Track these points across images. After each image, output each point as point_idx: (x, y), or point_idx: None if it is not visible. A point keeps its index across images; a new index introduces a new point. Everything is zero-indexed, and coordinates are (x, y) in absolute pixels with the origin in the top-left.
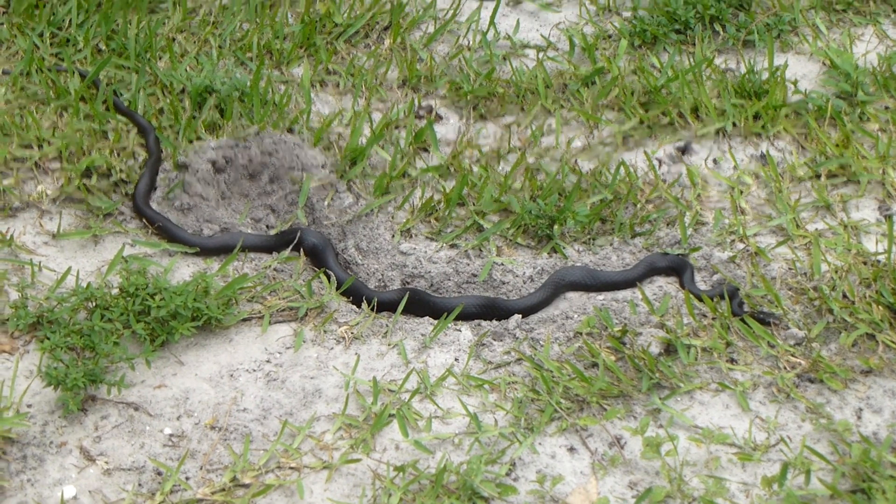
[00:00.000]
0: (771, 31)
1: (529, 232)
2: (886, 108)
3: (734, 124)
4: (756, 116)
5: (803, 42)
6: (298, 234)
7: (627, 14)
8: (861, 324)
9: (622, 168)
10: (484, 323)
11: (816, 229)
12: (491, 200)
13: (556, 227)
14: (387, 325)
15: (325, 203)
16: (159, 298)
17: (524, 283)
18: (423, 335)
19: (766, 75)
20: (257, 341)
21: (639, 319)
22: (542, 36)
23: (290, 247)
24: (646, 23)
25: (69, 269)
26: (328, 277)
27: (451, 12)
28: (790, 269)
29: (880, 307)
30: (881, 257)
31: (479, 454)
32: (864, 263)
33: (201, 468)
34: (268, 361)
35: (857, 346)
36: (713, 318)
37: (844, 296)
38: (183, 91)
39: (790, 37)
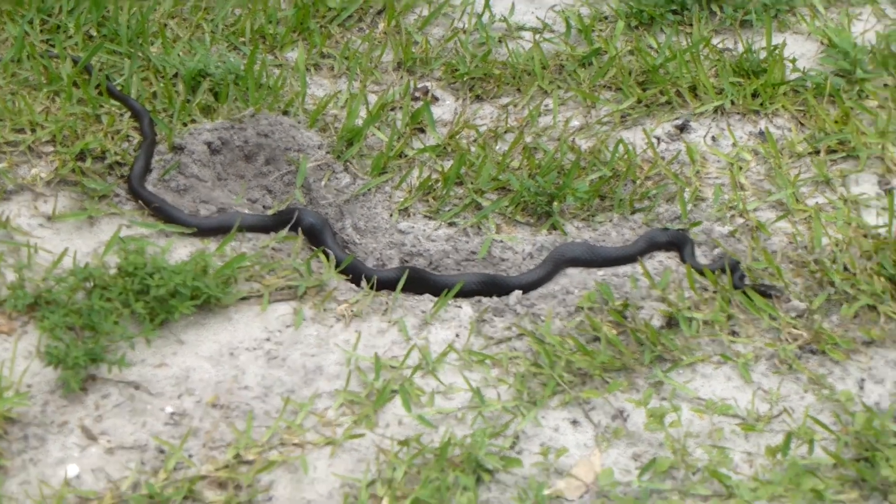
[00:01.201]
0: (768, 11)
1: (528, 209)
2: (885, 85)
3: (732, 102)
4: (754, 94)
5: (801, 22)
6: (296, 214)
7: None
8: (862, 295)
9: (621, 146)
10: (484, 299)
11: (816, 203)
12: (489, 179)
13: (555, 204)
14: (387, 303)
15: (323, 183)
16: (158, 278)
17: (524, 259)
18: (423, 312)
19: (763, 54)
20: (257, 320)
21: (640, 294)
22: (537, 18)
23: (288, 227)
24: (642, 3)
25: (66, 250)
26: (326, 256)
27: None
28: (791, 242)
29: (881, 279)
30: (882, 230)
31: (483, 428)
32: (865, 236)
33: (204, 446)
34: (268, 340)
35: (859, 318)
36: (714, 292)
37: (845, 268)
38: (176, 75)
39: (788, 17)
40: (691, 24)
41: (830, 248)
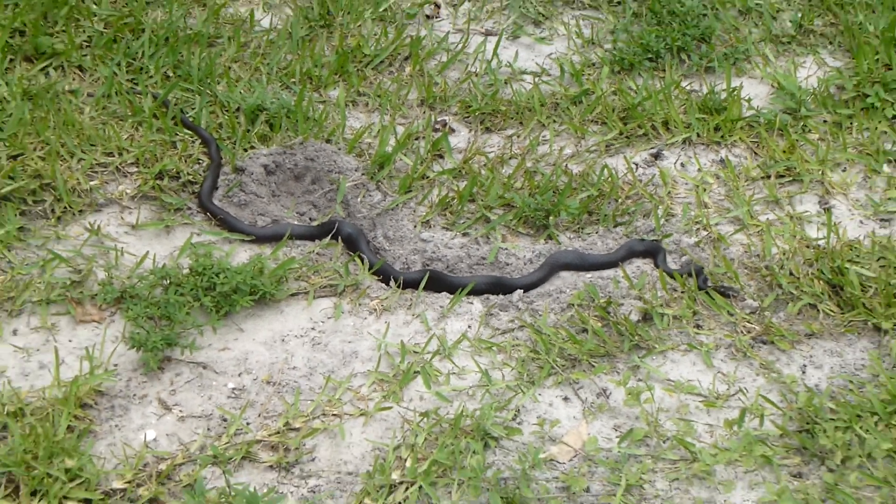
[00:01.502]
0: (728, 59)
1: (529, 222)
2: (825, 121)
3: (698, 135)
4: (716, 128)
5: (755, 68)
6: (336, 225)
7: (608, 46)
8: (805, 296)
9: (605, 170)
10: (492, 297)
11: (767, 219)
12: (496, 197)
13: (551, 218)
14: (411, 299)
15: (359, 200)
16: (223, 277)
17: (525, 264)
18: (441, 307)
19: (724, 95)
20: (304, 312)
21: (620, 293)
22: (537, 64)
23: (330, 235)
24: (624, 52)
25: (147, 253)
26: (361, 260)
27: (460, 45)
28: (746, 251)
29: (820, 282)
30: (821, 242)
31: (490, 402)
32: (807, 247)
33: (259, 415)
34: (313, 328)
35: (802, 314)
36: (682, 292)
37: (791, 273)
38: (238, 109)
39: (744, 64)
40: (664, 70)
41: (779, 256)
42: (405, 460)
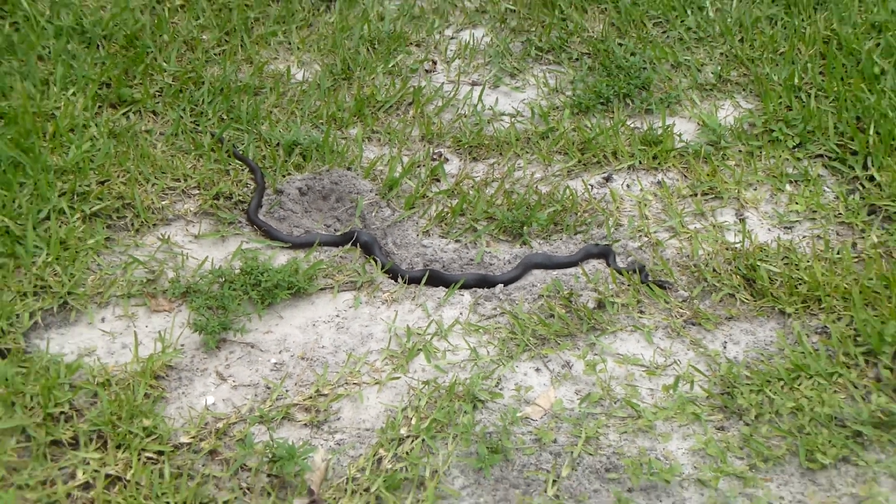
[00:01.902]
0: (663, 103)
1: (507, 231)
2: (739, 150)
3: (640, 162)
4: (654, 157)
5: (685, 110)
6: (355, 234)
7: (569, 93)
8: (725, 287)
9: (567, 190)
10: (478, 290)
11: (695, 228)
12: (482, 212)
13: (524, 228)
14: (415, 293)
15: (373, 214)
16: (266, 275)
17: (504, 264)
18: (438, 298)
19: (660, 131)
20: (330, 303)
21: (580, 286)
22: (513, 107)
23: (350, 243)
24: (581, 98)
25: (206, 257)
26: (375, 262)
27: (453, 93)
28: (678, 253)
29: (737, 276)
30: (737, 245)
31: (478, 373)
32: (727, 249)
33: (295, 384)
34: (337, 316)
35: (723, 302)
36: (628, 285)
37: (714, 270)
38: (278, 144)
39: (676, 106)
40: (613, 112)
41: (704, 256)
42: (411, 419)
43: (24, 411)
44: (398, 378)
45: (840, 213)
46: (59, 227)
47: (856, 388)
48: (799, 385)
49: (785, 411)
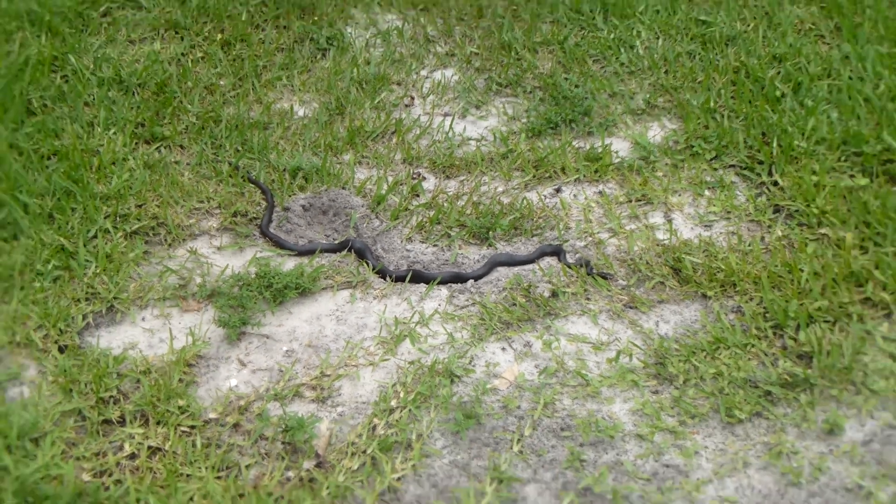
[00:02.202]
0: (602, 126)
1: (476, 236)
2: (666, 163)
3: (584, 176)
4: (596, 171)
5: (621, 131)
6: (350, 242)
7: (525, 120)
8: (656, 276)
9: (525, 201)
10: (453, 286)
11: (630, 229)
12: (454, 220)
13: (490, 232)
14: (401, 289)
15: (365, 225)
16: (278, 278)
17: (474, 263)
18: (420, 293)
19: (600, 149)
20: (331, 300)
21: (537, 279)
22: (478, 133)
23: (346, 249)
24: (535, 124)
25: (227, 265)
26: (367, 265)
27: (428, 123)
28: (617, 249)
29: (666, 267)
30: (666, 241)
31: (454, 354)
32: (657, 245)
33: (304, 367)
34: (337, 310)
35: (655, 289)
36: (577, 277)
37: (647, 262)
38: (284, 170)
39: (613, 129)
40: (561, 134)
41: (639, 252)
42: (399, 393)
43: (80, 396)
44: (388, 360)
45: (750, 213)
46: (105, 243)
47: (766, 355)
48: (719, 354)
49: (708, 376)
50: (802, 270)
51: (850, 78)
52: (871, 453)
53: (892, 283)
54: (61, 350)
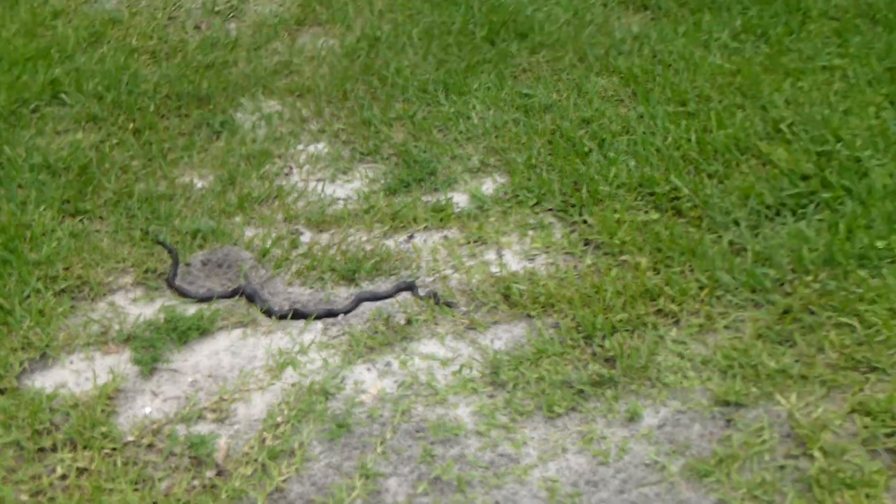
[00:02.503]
0: (446, 183)
1: (345, 278)
2: (497, 211)
3: (432, 224)
4: (441, 219)
5: (461, 187)
6: (242, 289)
7: (383, 181)
8: (490, 302)
9: (384, 247)
10: (326, 319)
11: (470, 265)
12: (327, 267)
13: (356, 274)
14: (284, 325)
15: (253, 274)
16: (182, 321)
17: (344, 300)
18: (300, 327)
19: (444, 202)
20: (227, 337)
21: (395, 310)
22: (345, 194)
23: (238, 295)
24: (391, 183)
25: (140, 313)
26: (257, 307)
27: (304, 188)
28: (459, 282)
29: (498, 294)
30: (498, 273)
31: (328, 375)
32: (491, 277)
33: (206, 394)
34: (232, 345)
35: (489, 312)
36: (427, 307)
37: (483, 291)
38: (186, 233)
39: (454, 185)
40: (413, 192)
41: (476, 283)
42: (284, 410)
43: (18, 430)
44: (275, 384)
45: (565, 247)
46: (38, 301)
47: (579, 361)
48: (541, 362)
49: (532, 381)
50: (607, 290)
51: (644, 133)
52: (664, 434)
53: (679, 297)
54: (1, 392)
